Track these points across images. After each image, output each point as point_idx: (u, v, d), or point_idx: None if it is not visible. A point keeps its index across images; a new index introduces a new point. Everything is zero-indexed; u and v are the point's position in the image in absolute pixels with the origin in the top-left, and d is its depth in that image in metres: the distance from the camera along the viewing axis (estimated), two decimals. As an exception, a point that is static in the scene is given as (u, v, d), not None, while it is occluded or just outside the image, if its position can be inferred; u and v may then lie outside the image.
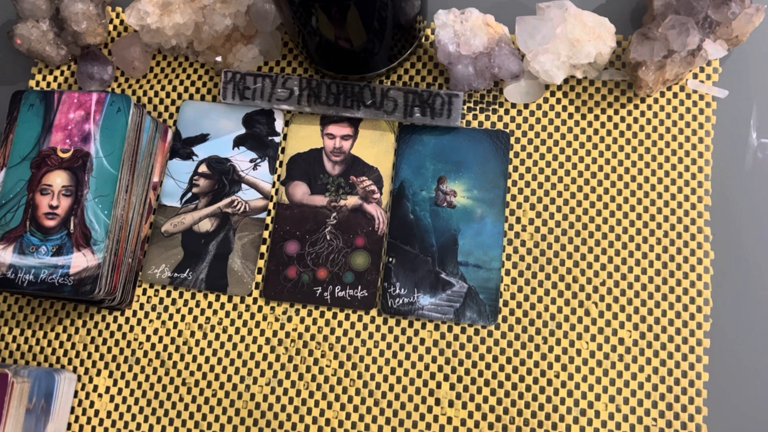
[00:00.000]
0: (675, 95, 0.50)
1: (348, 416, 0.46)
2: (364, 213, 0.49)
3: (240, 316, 0.48)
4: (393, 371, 0.46)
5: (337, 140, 0.51)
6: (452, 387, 0.46)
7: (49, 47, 0.53)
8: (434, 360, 0.46)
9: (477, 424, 0.45)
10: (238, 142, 0.52)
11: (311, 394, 0.46)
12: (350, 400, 0.46)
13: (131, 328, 0.49)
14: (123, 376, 0.48)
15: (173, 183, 0.51)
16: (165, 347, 0.48)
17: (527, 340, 0.46)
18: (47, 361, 0.49)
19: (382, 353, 0.47)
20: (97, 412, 0.48)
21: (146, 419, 0.47)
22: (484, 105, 0.51)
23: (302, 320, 0.48)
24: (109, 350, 0.49)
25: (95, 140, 0.46)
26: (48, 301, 0.50)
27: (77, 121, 0.47)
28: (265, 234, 0.50)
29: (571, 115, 0.50)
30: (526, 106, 0.51)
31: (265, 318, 0.48)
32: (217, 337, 0.48)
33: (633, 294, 0.46)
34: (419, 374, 0.46)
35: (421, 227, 0.48)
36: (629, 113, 0.50)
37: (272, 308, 0.48)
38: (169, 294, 0.49)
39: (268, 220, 0.50)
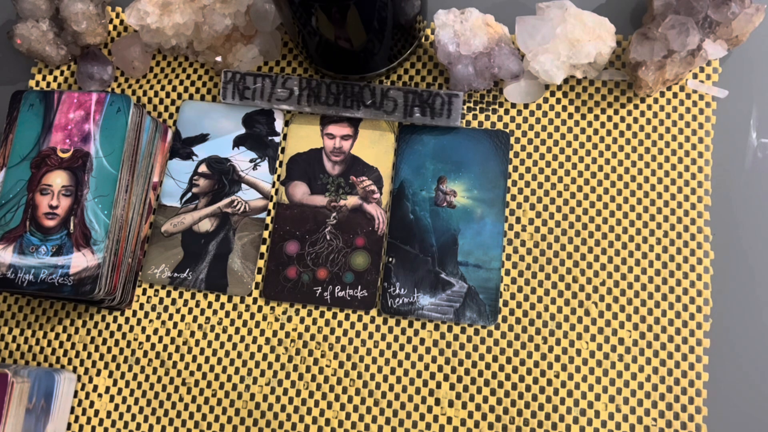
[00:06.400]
0: (675, 95, 0.50)
1: (348, 416, 0.46)
2: (364, 213, 0.49)
3: (240, 316, 0.48)
4: (393, 371, 0.46)
5: (337, 140, 0.51)
6: (452, 387, 0.46)
7: (49, 47, 0.53)
8: (434, 360, 0.46)
9: (477, 424, 0.45)
10: (238, 142, 0.52)
11: (311, 394, 0.46)
12: (350, 400, 0.46)
13: (131, 328, 0.49)
14: (123, 376, 0.48)
15: (173, 183, 0.51)
16: (165, 347, 0.48)
17: (527, 340, 0.46)
18: (47, 361, 0.49)
19: (382, 353, 0.47)
20: (97, 412, 0.48)
21: (146, 419, 0.47)
22: (484, 105, 0.51)
23: (302, 320, 0.48)
24: (109, 350, 0.49)
25: (95, 140, 0.46)
26: (48, 301, 0.50)
27: (77, 121, 0.47)
28: (265, 234, 0.50)
29: (571, 115, 0.50)
30: (526, 106, 0.51)
31: (265, 318, 0.48)
32: (217, 337, 0.48)
33: (633, 294, 0.46)
34: (419, 374, 0.46)
35: (421, 227, 0.48)
36: (629, 113, 0.50)
37: (272, 308, 0.48)
38: (169, 294, 0.49)
39: (268, 220, 0.50)
